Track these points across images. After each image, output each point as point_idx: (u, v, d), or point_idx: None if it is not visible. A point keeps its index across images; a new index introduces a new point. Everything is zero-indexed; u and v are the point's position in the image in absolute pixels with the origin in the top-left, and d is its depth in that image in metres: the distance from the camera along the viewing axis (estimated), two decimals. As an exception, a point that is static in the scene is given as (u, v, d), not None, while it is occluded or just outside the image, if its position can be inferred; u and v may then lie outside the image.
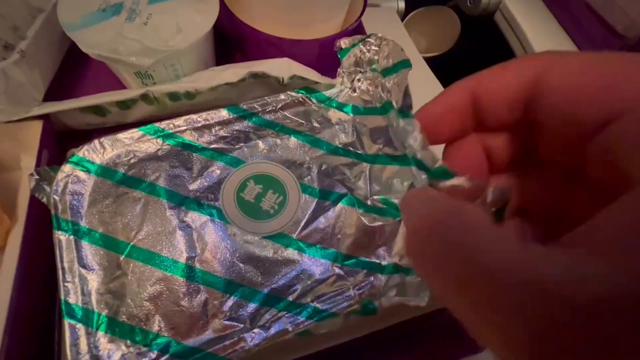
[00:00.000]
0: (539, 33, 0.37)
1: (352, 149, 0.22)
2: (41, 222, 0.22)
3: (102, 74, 0.29)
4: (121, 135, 0.21)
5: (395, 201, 0.21)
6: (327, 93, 0.23)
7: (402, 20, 0.43)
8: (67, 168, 0.20)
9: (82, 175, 0.20)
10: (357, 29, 0.30)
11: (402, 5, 0.41)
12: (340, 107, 0.23)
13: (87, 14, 0.24)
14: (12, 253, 0.21)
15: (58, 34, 0.27)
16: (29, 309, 0.20)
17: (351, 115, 0.23)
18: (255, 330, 0.18)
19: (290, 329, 0.18)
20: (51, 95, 0.27)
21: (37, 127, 0.23)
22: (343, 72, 0.22)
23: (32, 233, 0.21)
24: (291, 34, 0.27)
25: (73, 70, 0.29)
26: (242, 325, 0.18)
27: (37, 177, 0.20)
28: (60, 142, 0.25)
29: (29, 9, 0.26)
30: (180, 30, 0.25)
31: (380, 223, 0.20)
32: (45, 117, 0.24)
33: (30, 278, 0.20)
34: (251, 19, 0.28)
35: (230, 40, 0.32)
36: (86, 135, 0.26)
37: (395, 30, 0.39)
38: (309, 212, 0.20)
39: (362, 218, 0.20)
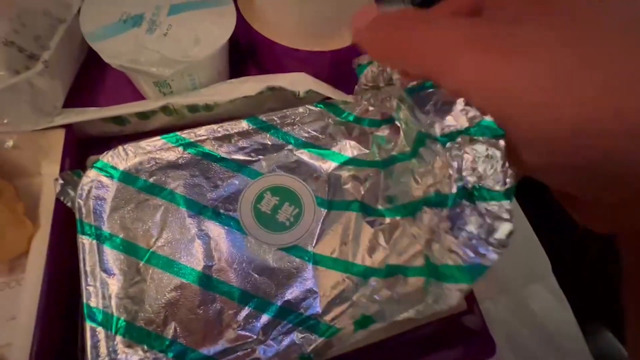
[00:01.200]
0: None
1: (367, 159, 0.22)
2: (64, 227, 0.22)
3: (118, 81, 0.29)
4: (144, 143, 0.21)
5: (405, 199, 0.20)
6: (345, 107, 0.23)
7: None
8: (92, 173, 0.20)
9: (105, 180, 0.20)
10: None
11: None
12: (357, 121, 0.23)
13: (109, 24, 0.25)
14: (36, 259, 0.21)
15: (77, 43, 0.28)
16: (54, 313, 0.20)
17: (367, 127, 0.23)
18: (268, 342, 0.18)
19: (302, 344, 0.18)
20: (69, 102, 0.27)
21: (60, 135, 0.24)
22: (361, 88, 0.23)
23: (56, 239, 0.21)
24: (306, 46, 0.28)
25: (89, 78, 0.29)
26: (254, 337, 0.18)
27: (62, 181, 0.20)
28: (80, 149, 0.26)
29: (50, 19, 0.26)
30: (198, 42, 0.25)
31: (387, 222, 0.20)
32: (67, 125, 0.24)
33: (55, 283, 0.21)
34: (267, 30, 0.28)
35: (244, 50, 0.32)
36: (103, 143, 0.26)
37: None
38: (324, 224, 0.21)
39: (372, 224, 0.20)
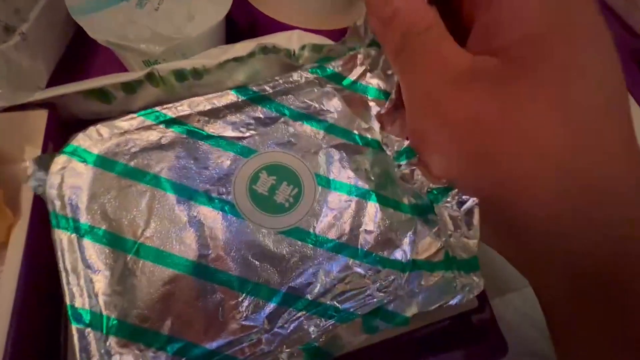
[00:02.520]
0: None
1: (370, 136, 0.20)
2: (45, 217, 0.21)
3: (108, 62, 0.27)
4: (119, 122, 0.19)
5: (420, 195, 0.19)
6: (338, 67, 0.21)
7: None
8: (61, 159, 0.18)
9: (79, 166, 0.18)
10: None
11: None
12: (355, 88, 0.21)
13: (95, -3, 0.23)
14: (16, 250, 0.20)
15: (62, 18, 0.25)
16: (35, 308, 0.19)
17: (367, 96, 0.21)
18: (274, 331, 0.17)
19: (310, 330, 0.17)
20: (54, 83, 0.25)
21: (43, 116, 0.22)
22: (351, 39, 0.21)
23: (37, 228, 0.20)
24: (309, 24, 0.26)
25: (77, 58, 0.27)
26: (260, 326, 0.17)
27: (36, 167, 0.18)
28: (67, 134, 0.24)
29: (31, -9, 0.24)
30: (192, 18, 0.23)
31: (401, 218, 0.19)
32: (51, 107, 0.22)
33: (36, 277, 0.19)
34: (267, 7, 0.27)
35: (241, 28, 0.30)
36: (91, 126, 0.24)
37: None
38: (326, 205, 0.19)
39: (382, 212, 0.19)
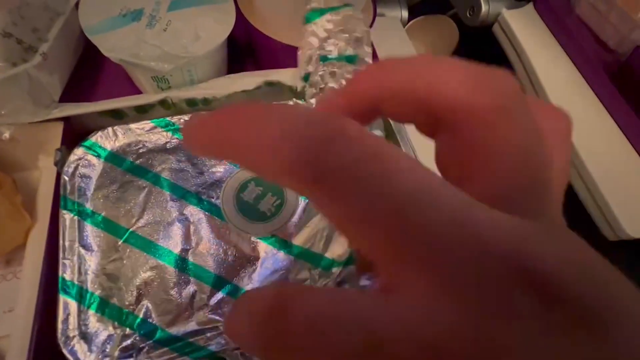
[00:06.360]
0: (535, 45, 0.38)
1: None
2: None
3: (115, 75, 0.29)
4: (133, 126, 0.21)
5: None
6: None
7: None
8: (79, 151, 0.20)
9: (92, 159, 0.20)
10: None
11: (405, 14, 0.42)
12: None
13: (108, 18, 0.25)
14: (34, 251, 0.21)
15: (75, 37, 0.28)
16: (53, 305, 0.20)
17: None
18: None
19: None
20: (66, 96, 0.27)
21: (58, 128, 0.23)
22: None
23: (55, 232, 0.22)
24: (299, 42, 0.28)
25: (86, 72, 0.29)
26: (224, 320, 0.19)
27: (60, 155, 0.21)
28: (76, 142, 0.26)
29: (48, 12, 0.26)
30: (198, 38, 0.25)
31: None
32: (65, 119, 0.24)
33: (54, 276, 0.21)
34: (265, 27, 0.29)
35: (241, 47, 0.33)
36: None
37: (399, 39, 0.40)
38: (304, 216, 0.21)
39: None
